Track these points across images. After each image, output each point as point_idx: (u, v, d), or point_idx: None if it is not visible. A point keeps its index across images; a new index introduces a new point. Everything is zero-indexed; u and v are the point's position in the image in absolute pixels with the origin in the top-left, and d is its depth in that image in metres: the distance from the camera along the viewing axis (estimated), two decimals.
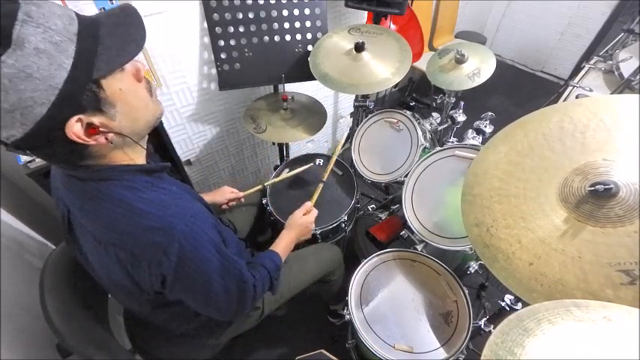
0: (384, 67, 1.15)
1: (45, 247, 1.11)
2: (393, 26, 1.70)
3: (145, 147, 0.64)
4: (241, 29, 1.20)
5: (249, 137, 1.73)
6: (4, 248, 0.90)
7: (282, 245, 0.94)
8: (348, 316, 0.93)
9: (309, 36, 1.28)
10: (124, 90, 0.52)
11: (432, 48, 2.41)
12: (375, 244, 1.22)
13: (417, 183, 1.14)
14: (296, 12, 1.22)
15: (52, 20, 0.43)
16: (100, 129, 0.50)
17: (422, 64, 1.80)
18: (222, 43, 1.20)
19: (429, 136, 1.37)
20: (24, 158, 0.97)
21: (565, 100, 1.69)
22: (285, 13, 1.21)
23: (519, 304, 0.94)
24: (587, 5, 2.46)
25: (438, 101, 1.53)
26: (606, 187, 0.52)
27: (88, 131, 0.49)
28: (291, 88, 1.39)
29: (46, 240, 1.14)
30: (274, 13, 1.20)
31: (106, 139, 0.52)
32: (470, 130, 1.30)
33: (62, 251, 0.82)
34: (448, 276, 0.98)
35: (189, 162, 1.59)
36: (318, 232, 1.18)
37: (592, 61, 1.87)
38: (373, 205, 1.38)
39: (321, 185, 1.18)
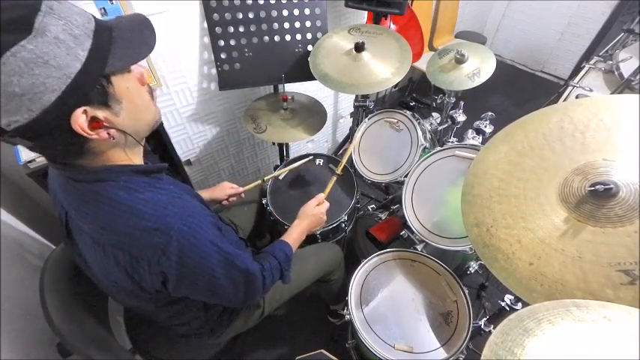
0: (384, 67, 1.15)
1: (45, 247, 1.11)
2: (393, 26, 1.70)
3: (142, 147, 0.64)
4: (241, 29, 1.20)
5: (249, 137, 1.73)
6: (4, 248, 0.90)
7: (294, 235, 0.94)
8: (348, 316, 0.93)
9: (309, 36, 1.28)
10: (130, 89, 0.54)
11: (432, 48, 2.41)
12: (375, 244, 1.22)
13: (417, 183, 1.14)
14: (296, 12, 1.22)
15: (73, 16, 0.46)
16: (104, 123, 0.51)
17: (422, 64, 1.80)
18: (222, 43, 1.20)
19: (429, 136, 1.37)
20: (24, 158, 0.97)
21: (565, 100, 1.69)
22: (285, 13, 1.21)
23: (519, 304, 0.94)
24: (587, 5, 2.46)
25: (438, 101, 1.53)
26: (606, 187, 0.52)
27: (92, 124, 0.50)
28: (291, 88, 1.40)
29: (46, 240, 1.14)
30: (274, 13, 1.20)
31: (108, 134, 0.52)
32: (470, 130, 1.30)
33: (62, 251, 0.82)
34: (448, 276, 0.98)
35: (189, 162, 1.59)
36: (318, 232, 1.18)
37: (592, 61, 1.87)
38: (373, 205, 1.38)
39: (334, 178, 1.16)
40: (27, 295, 0.85)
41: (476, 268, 1.14)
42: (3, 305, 0.78)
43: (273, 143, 1.71)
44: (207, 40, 1.24)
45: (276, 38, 1.25)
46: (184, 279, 0.60)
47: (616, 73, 1.66)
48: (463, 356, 0.88)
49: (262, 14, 1.19)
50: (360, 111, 1.50)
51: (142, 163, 0.64)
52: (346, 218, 1.23)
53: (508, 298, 0.96)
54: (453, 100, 1.43)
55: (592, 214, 0.54)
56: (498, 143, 0.73)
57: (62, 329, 0.68)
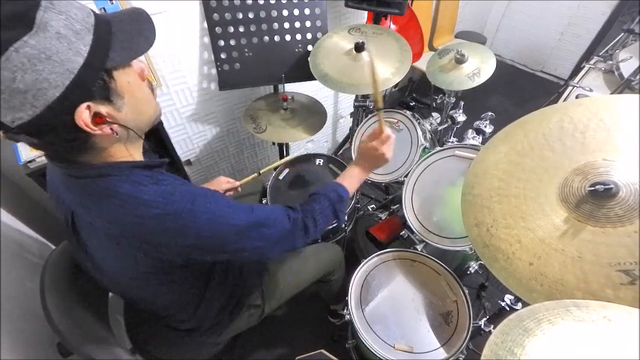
0: (384, 67, 1.15)
1: (45, 247, 1.11)
2: (393, 26, 1.70)
3: (142, 142, 0.65)
4: (241, 29, 1.20)
5: (249, 137, 1.73)
6: (4, 248, 0.90)
7: (350, 176, 0.88)
8: (348, 316, 0.93)
9: (309, 36, 1.28)
10: (132, 83, 0.54)
11: (432, 48, 2.41)
12: (375, 244, 1.22)
13: (417, 183, 1.14)
14: (296, 12, 1.22)
15: (73, 10, 0.46)
16: (107, 119, 0.51)
17: (422, 64, 1.80)
18: (222, 43, 1.20)
19: (429, 136, 1.37)
20: (24, 158, 0.97)
21: (565, 100, 1.69)
22: (285, 13, 1.21)
23: (519, 304, 0.94)
24: (587, 5, 2.46)
25: (438, 101, 1.53)
26: (606, 187, 0.52)
27: (95, 120, 0.50)
28: (291, 88, 1.39)
29: (46, 240, 1.14)
30: (274, 13, 1.20)
31: (111, 129, 0.52)
32: (470, 130, 1.30)
33: (62, 251, 0.82)
34: (448, 276, 0.98)
35: (189, 162, 1.59)
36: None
37: (592, 61, 1.87)
38: (373, 205, 1.38)
39: (381, 113, 0.88)
40: (27, 295, 0.85)
41: (476, 268, 1.14)
42: (3, 305, 0.78)
43: (273, 143, 1.71)
44: (207, 40, 1.24)
45: (276, 38, 1.25)
46: (209, 251, 0.62)
47: (616, 73, 1.66)
48: (463, 356, 0.88)
49: (262, 14, 1.19)
50: (360, 111, 1.50)
51: (142, 159, 0.64)
52: (346, 218, 1.23)
53: (508, 298, 0.96)
54: (453, 100, 1.43)
55: (592, 214, 0.55)
56: (498, 143, 0.73)
57: (62, 329, 0.68)
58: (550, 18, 2.69)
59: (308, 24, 1.26)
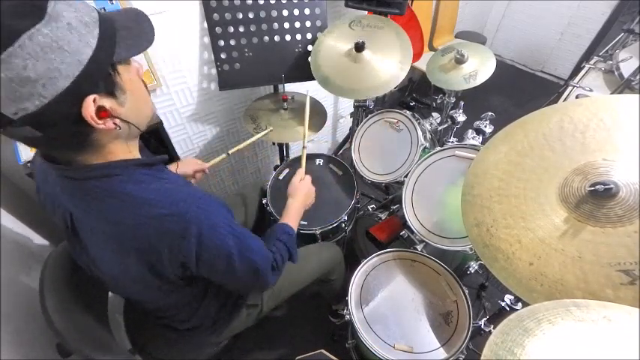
0: (387, 65, 1.15)
1: (45, 247, 1.11)
2: None
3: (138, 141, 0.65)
4: (241, 29, 1.20)
5: (249, 137, 1.73)
6: (4, 248, 0.90)
7: (292, 214, 0.95)
8: (347, 316, 0.93)
9: (309, 36, 1.28)
10: (132, 80, 0.55)
11: (432, 48, 2.41)
12: (375, 244, 1.22)
13: (417, 183, 1.14)
14: (296, 12, 1.22)
15: (79, 5, 0.47)
16: (111, 113, 0.52)
17: (422, 64, 1.79)
18: (222, 43, 1.20)
19: (429, 136, 1.37)
20: (24, 158, 0.97)
21: (565, 100, 1.69)
22: (285, 13, 1.21)
23: (519, 304, 0.94)
24: (587, 5, 2.46)
25: (438, 101, 1.53)
26: (606, 187, 0.52)
27: (99, 114, 0.50)
28: (291, 88, 1.39)
29: (46, 240, 1.14)
30: (274, 13, 1.20)
31: (114, 124, 0.53)
32: (470, 130, 1.30)
33: (62, 251, 0.82)
34: (448, 276, 0.98)
35: None
36: (318, 232, 1.18)
37: (592, 61, 1.86)
38: (373, 205, 1.38)
39: (304, 150, 1.11)
40: (27, 295, 0.85)
41: (476, 268, 1.14)
42: (3, 305, 0.78)
43: (273, 143, 1.71)
44: (207, 40, 1.24)
45: (276, 38, 1.25)
46: (204, 262, 0.62)
47: (616, 73, 1.66)
48: (463, 356, 0.88)
49: (262, 14, 1.19)
50: (360, 111, 1.50)
51: (140, 157, 0.64)
52: (346, 218, 1.23)
53: (508, 298, 0.96)
54: (453, 100, 1.43)
55: (592, 214, 0.54)
56: (498, 143, 0.73)
57: (62, 329, 0.68)
58: (550, 18, 2.69)
59: (308, 24, 1.26)
